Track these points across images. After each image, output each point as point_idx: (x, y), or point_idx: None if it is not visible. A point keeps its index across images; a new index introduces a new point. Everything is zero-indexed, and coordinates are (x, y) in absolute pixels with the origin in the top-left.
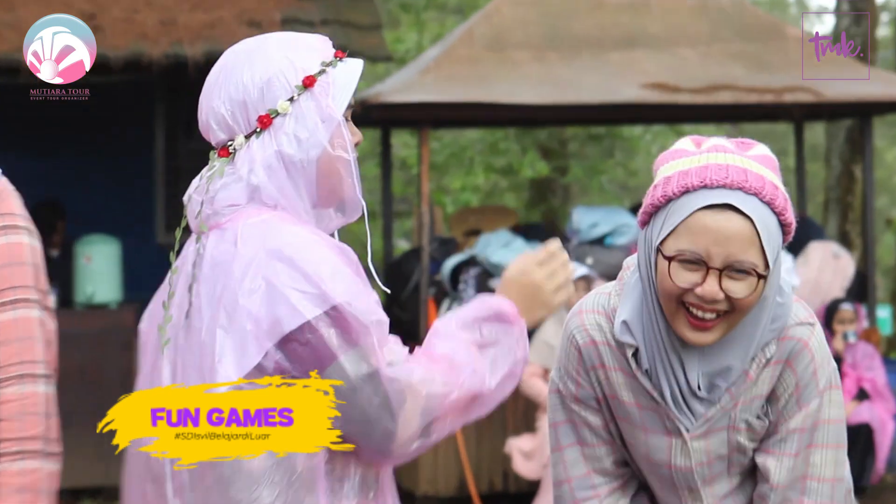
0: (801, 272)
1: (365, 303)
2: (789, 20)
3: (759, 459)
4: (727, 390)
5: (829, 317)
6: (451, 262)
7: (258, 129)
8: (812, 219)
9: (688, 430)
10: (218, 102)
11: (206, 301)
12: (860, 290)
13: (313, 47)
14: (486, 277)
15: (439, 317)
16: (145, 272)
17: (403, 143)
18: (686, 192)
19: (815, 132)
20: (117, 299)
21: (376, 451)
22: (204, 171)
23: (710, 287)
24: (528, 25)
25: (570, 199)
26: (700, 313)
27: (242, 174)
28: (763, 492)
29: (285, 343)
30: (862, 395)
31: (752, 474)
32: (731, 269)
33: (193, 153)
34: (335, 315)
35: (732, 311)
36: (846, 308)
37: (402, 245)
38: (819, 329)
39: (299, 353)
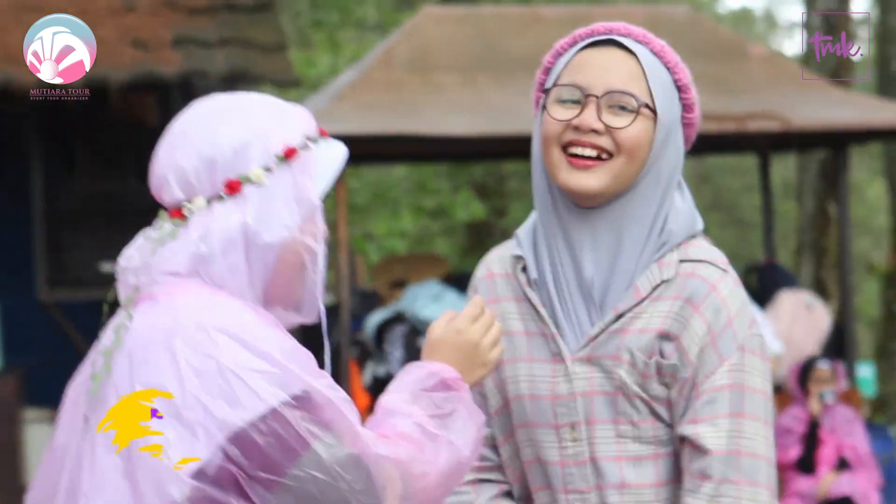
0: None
1: (328, 383)
2: (756, 37)
3: (690, 430)
4: (613, 308)
5: (803, 376)
6: (374, 319)
7: (223, 194)
8: (781, 265)
9: (571, 353)
10: (182, 155)
11: (124, 380)
12: (838, 346)
13: (298, 117)
14: (414, 336)
15: (362, 379)
16: (26, 334)
17: None
18: (573, 44)
19: (787, 165)
20: None
21: None
22: (149, 231)
23: (588, 114)
24: (456, 44)
25: None
26: (579, 150)
27: (192, 239)
28: (700, 467)
29: (240, 435)
30: (842, 465)
31: (653, 455)
32: (614, 105)
33: (77, 195)
34: (303, 397)
35: (617, 155)
36: (823, 366)
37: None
38: (734, 280)
39: (260, 445)
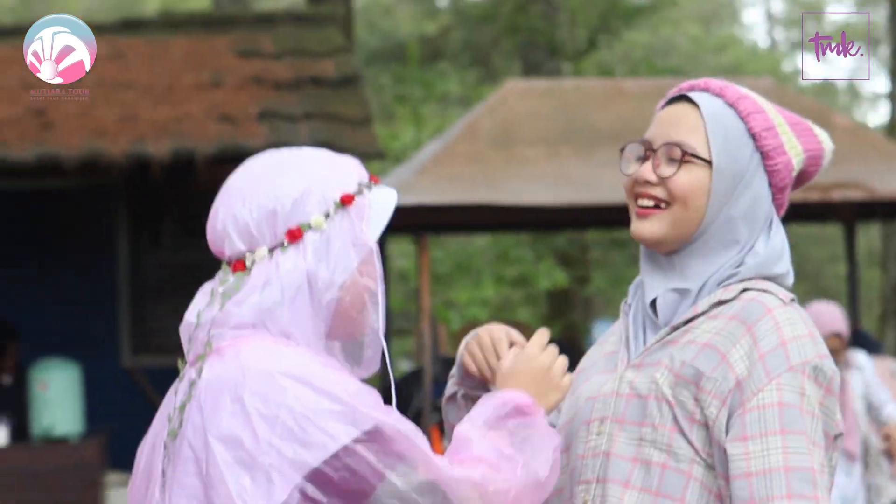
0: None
1: (397, 417)
2: (839, 108)
3: (738, 449)
4: (671, 324)
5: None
6: None
7: (284, 243)
8: (866, 332)
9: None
10: (242, 209)
11: (196, 432)
12: None
13: (351, 165)
14: None
15: (443, 443)
16: (110, 400)
17: (402, 252)
18: (666, 102)
19: (871, 234)
20: (79, 431)
21: None
22: (213, 285)
23: (644, 167)
24: (539, 118)
25: (592, 312)
26: (640, 201)
27: (257, 291)
28: (746, 492)
29: (316, 474)
30: None
31: (662, 465)
32: (669, 157)
33: (162, 265)
34: (374, 432)
35: (673, 203)
36: None
37: (403, 366)
38: (800, 315)
39: (335, 481)
